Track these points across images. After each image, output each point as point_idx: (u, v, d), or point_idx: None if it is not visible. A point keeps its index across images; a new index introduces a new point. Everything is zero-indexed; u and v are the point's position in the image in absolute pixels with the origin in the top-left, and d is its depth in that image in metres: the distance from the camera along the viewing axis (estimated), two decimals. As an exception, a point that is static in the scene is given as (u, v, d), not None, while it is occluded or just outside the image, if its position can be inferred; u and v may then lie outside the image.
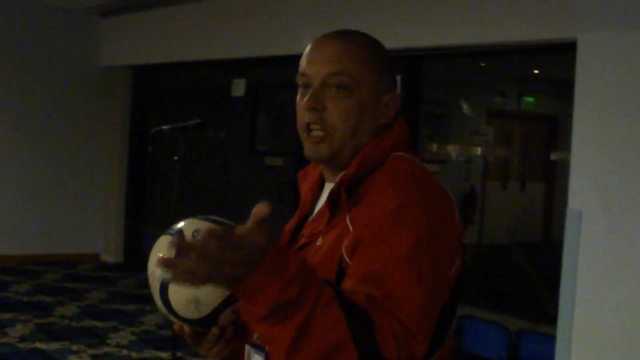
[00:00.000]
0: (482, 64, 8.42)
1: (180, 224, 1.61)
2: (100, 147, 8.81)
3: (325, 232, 1.50)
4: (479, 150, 10.98)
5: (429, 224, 1.39)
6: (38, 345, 5.52)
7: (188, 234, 1.50)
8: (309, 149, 1.53)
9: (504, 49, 5.81)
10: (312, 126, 1.51)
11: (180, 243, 1.17)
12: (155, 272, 1.59)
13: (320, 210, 1.56)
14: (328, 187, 1.58)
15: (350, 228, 1.43)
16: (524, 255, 11.79)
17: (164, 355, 5.58)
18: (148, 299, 5.09)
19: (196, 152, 6.71)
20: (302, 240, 1.56)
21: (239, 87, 7.11)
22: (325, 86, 1.50)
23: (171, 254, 1.19)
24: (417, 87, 6.21)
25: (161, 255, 1.47)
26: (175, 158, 3.69)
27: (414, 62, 6.14)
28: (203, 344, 1.64)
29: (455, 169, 11.15)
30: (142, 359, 5.52)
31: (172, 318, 1.62)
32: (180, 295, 1.55)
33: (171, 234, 1.59)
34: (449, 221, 1.45)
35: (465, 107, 10.11)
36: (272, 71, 8.05)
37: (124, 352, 5.59)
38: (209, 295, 1.54)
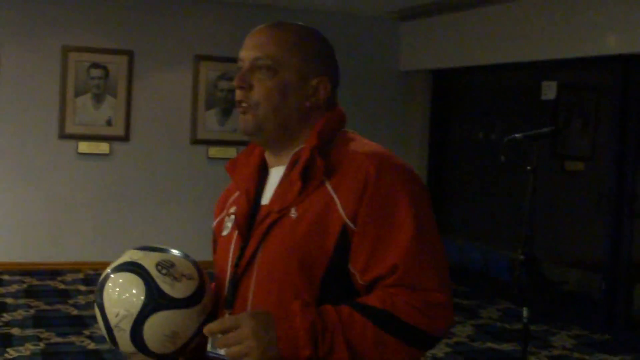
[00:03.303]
0: None
1: (136, 259, 1.63)
2: (400, 152, 8.84)
3: (299, 202, 1.62)
4: None
5: (413, 187, 1.61)
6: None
7: (151, 270, 1.59)
8: (239, 122, 1.71)
9: None
10: (242, 103, 1.69)
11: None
12: (122, 314, 1.56)
13: (284, 185, 1.67)
14: (276, 172, 1.72)
15: (334, 196, 1.59)
16: None
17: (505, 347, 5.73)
18: (485, 295, 4.98)
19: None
20: (273, 216, 1.64)
21: (549, 90, 6.81)
22: (254, 68, 1.68)
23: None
24: None
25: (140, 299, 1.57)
26: (529, 168, 3.53)
27: None
28: None
29: None
30: (485, 349, 5.63)
31: (138, 357, 1.60)
32: (159, 332, 1.57)
33: (132, 271, 1.60)
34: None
35: None
36: (578, 73, 7.65)
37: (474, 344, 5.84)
38: (186, 326, 1.60)
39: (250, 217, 1.72)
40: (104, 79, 7.71)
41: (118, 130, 7.80)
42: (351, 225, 1.57)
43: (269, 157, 1.77)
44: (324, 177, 1.62)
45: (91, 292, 6.93)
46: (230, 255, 1.72)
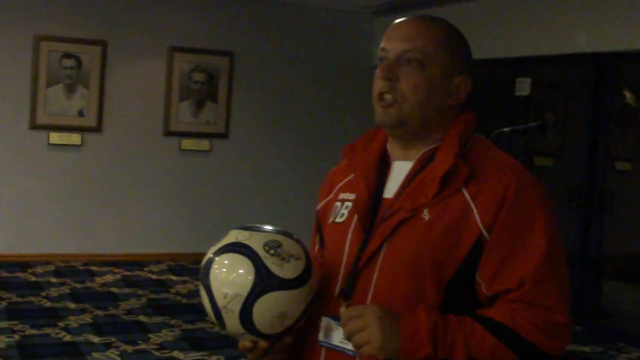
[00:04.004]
0: None
1: (242, 239, 1.61)
2: (372, 146, 8.84)
3: (432, 205, 1.59)
4: None
5: (548, 207, 1.61)
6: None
7: (259, 250, 1.59)
8: (379, 114, 1.67)
9: None
10: (385, 95, 1.65)
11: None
12: (230, 295, 1.57)
13: (418, 184, 1.62)
14: (401, 166, 1.69)
15: (472, 203, 1.57)
16: None
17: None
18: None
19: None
20: (402, 214, 1.61)
21: (523, 86, 6.89)
22: (400, 60, 1.64)
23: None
24: None
25: (249, 278, 1.57)
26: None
27: None
28: (266, 356, 1.68)
29: None
30: None
31: (246, 337, 1.61)
32: (268, 313, 1.58)
33: (240, 252, 1.59)
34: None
35: (629, 97, 9.13)
36: (551, 70, 7.76)
37: None
38: (295, 307, 1.60)
39: (372, 208, 1.68)
40: (76, 69, 7.62)
41: (90, 121, 7.72)
42: (486, 235, 1.56)
43: (394, 149, 1.73)
44: (465, 182, 1.60)
45: (63, 284, 6.86)
46: (347, 244, 1.68)
